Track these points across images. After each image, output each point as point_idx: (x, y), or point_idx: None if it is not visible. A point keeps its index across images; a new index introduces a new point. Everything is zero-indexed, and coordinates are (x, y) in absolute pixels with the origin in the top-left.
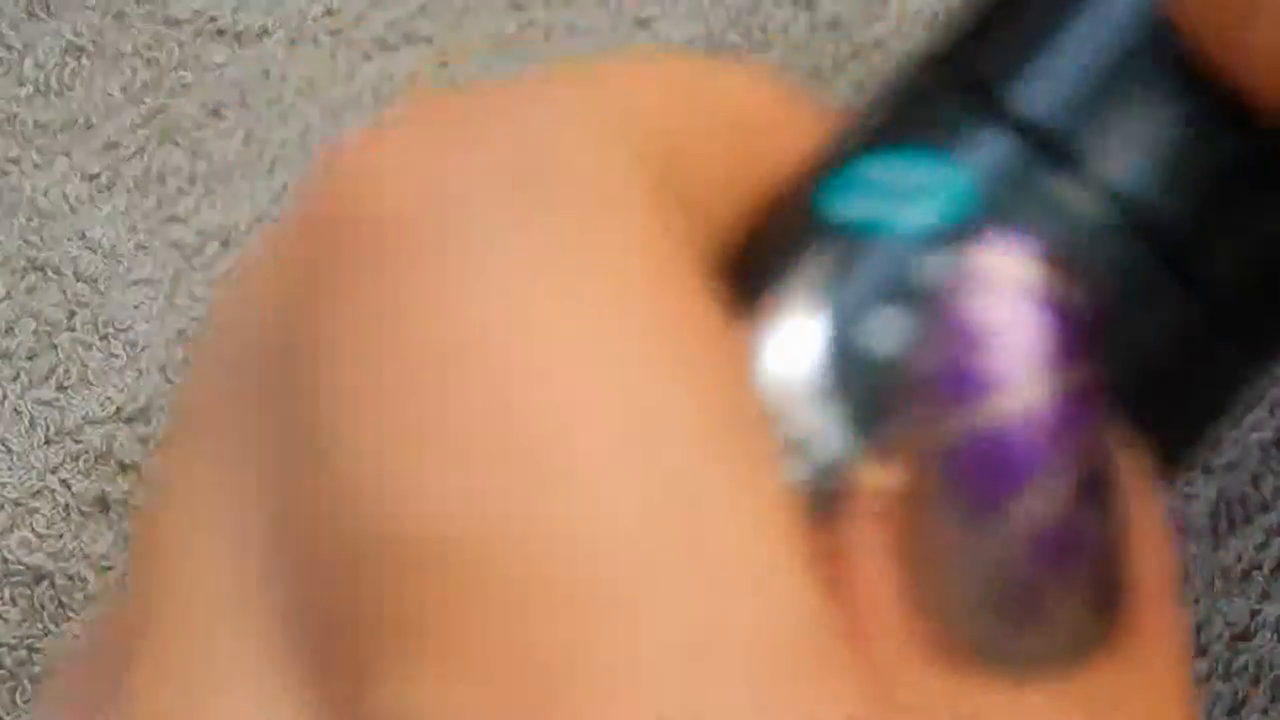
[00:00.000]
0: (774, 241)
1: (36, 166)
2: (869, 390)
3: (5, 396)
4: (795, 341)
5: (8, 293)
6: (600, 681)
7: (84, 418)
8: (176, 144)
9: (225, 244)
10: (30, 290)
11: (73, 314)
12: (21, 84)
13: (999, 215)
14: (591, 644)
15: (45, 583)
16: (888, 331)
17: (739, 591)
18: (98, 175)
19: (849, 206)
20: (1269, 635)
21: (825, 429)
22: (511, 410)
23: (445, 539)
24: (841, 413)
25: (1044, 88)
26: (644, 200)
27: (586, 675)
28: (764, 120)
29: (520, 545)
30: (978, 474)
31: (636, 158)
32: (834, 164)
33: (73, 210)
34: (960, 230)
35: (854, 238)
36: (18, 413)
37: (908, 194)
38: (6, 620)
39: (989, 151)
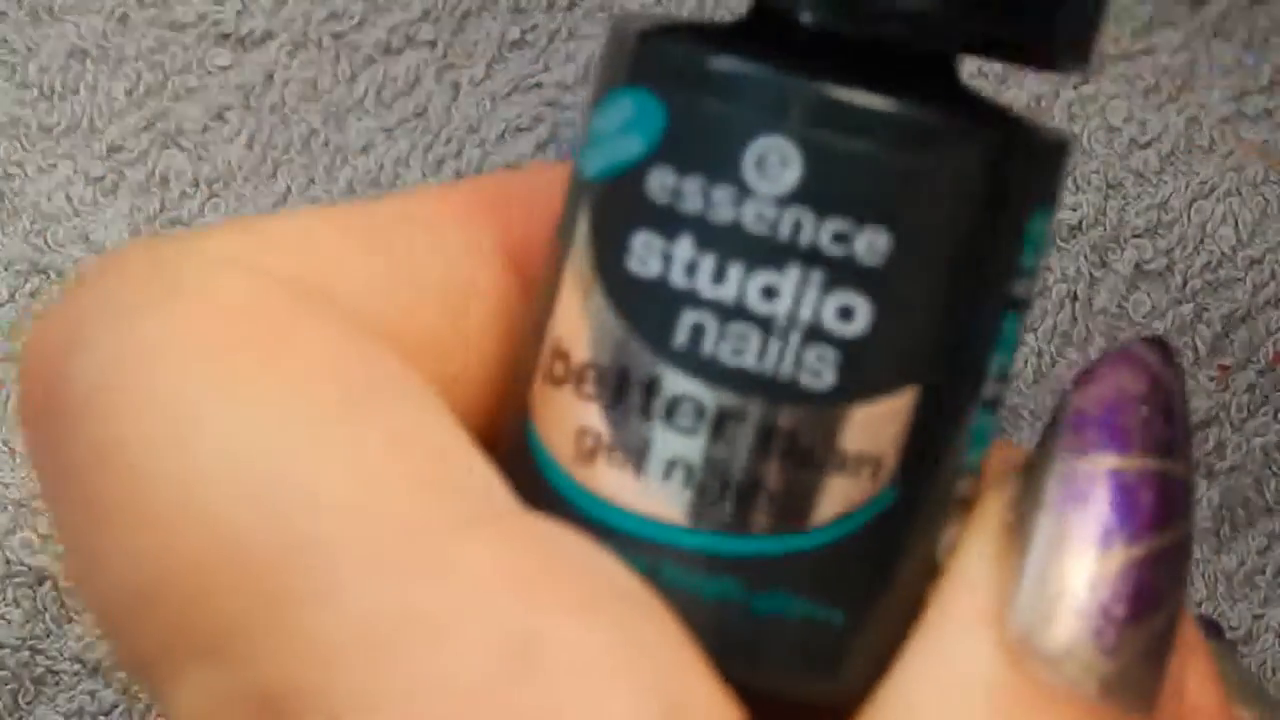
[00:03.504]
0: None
1: (40, 170)
2: (652, 308)
3: (8, 398)
4: (579, 283)
5: (11, 295)
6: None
7: None
8: (180, 148)
9: None
10: (34, 293)
11: None
12: (26, 87)
13: (690, 122)
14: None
15: (48, 584)
16: (647, 254)
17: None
18: (101, 178)
19: (590, 163)
20: (1272, 639)
21: (619, 346)
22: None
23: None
24: (632, 332)
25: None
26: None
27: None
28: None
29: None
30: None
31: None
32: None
33: (76, 213)
34: (663, 145)
35: (595, 184)
36: None
37: (623, 130)
38: (9, 621)
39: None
